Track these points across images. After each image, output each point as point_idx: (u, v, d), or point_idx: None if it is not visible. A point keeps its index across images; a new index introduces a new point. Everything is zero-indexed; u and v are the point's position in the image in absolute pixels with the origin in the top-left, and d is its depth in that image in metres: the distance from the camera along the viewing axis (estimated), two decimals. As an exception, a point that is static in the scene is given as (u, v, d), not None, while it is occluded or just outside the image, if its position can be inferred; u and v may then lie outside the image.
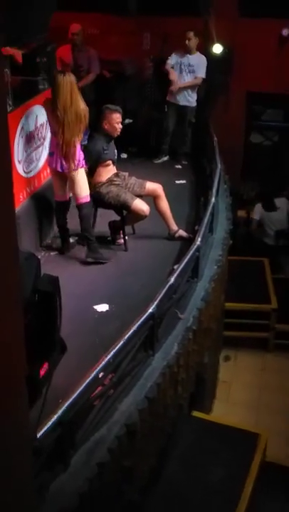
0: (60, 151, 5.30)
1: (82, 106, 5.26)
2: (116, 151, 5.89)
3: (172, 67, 8.00)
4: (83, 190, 5.46)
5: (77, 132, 5.29)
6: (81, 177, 5.43)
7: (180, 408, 4.70)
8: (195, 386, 5.05)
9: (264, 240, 9.10)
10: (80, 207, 5.50)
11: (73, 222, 6.37)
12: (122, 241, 5.86)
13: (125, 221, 5.81)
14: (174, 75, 7.97)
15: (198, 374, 5.05)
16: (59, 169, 5.40)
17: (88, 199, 5.53)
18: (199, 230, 5.17)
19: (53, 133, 5.39)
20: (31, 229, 5.60)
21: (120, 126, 5.68)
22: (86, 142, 6.12)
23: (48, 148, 5.81)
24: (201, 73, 8.02)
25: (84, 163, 5.44)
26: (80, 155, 5.38)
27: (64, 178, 5.50)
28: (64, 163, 5.35)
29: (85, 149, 6.00)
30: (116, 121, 5.63)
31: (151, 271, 5.38)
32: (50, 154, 5.48)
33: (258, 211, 9.08)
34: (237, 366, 7.60)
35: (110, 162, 5.78)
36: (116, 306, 4.91)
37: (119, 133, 5.72)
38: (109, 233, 5.97)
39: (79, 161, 5.37)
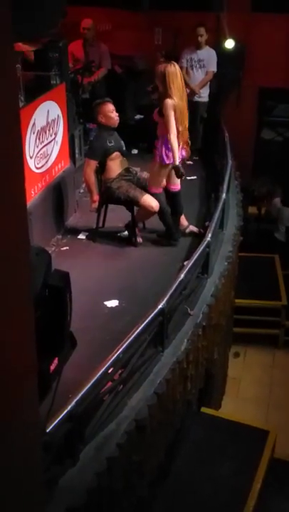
0: (182, 138, 5.43)
1: None
2: (122, 142, 5.86)
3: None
4: None
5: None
6: None
7: (189, 404, 4.70)
8: (204, 382, 5.05)
9: (275, 235, 9.09)
10: (179, 193, 5.78)
11: (84, 217, 6.38)
12: (141, 240, 5.85)
13: (135, 217, 5.80)
14: (191, 84, 7.95)
15: (207, 370, 5.05)
16: (182, 156, 5.56)
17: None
18: (210, 225, 5.16)
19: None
20: (42, 224, 5.61)
21: (115, 114, 5.67)
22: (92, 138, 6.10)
23: (59, 144, 5.81)
24: (212, 67, 8.00)
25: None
26: None
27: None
28: (184, 149, 5.53)
29: (91, 147, 5.99)
30: (109, 111, 5.64)
31: (161, 266, 5.38)
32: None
33: (276, 205, 9.11)
34: (246, 363, 7.59)
35: (118, 154, 5.74)
36: (126, 302, 4.91)
37: (117, 122, 5.70)
38: (117, 228, 5.96)
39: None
